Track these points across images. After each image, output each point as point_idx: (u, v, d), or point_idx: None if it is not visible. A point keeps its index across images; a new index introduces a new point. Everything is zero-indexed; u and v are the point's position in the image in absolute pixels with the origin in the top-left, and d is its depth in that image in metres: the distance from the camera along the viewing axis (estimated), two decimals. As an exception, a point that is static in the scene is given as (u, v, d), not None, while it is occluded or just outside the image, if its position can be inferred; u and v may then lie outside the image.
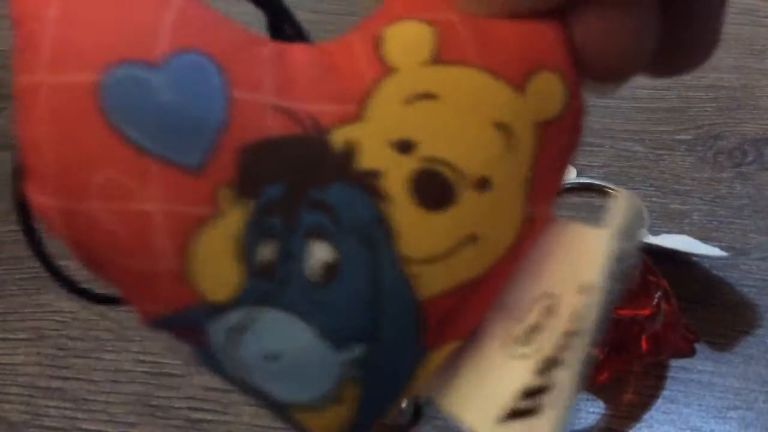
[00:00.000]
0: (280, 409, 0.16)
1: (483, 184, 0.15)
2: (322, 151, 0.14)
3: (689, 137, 0.42)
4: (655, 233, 0.35)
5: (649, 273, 0.29)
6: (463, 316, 0.15)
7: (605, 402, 0.29)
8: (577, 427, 0.28)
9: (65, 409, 0.28)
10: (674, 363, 0.30)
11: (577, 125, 0.16)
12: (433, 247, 0.14)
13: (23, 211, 0.15)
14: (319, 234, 0.14)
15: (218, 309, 0.14)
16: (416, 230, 0.14)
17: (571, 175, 0.39)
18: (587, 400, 0.29)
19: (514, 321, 0.15)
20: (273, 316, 0.14)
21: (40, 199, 0.14)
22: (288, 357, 0.15)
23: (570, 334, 0.14)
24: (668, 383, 0.29)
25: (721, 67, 0.48)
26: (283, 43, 0.15)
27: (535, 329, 0.15)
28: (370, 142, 0.14)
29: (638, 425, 0.28)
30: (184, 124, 0.13)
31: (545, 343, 0.15)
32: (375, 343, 0.15)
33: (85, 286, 0.19)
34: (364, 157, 0.14)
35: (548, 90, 0.15)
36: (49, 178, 0.14)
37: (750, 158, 0.41)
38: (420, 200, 0.14)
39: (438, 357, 0.15)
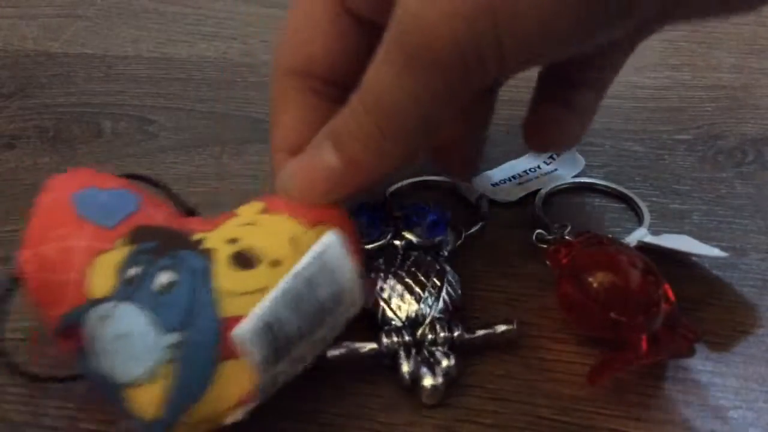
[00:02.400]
0: (115, 389, 0.23)
1: (275, 263, 0.25)
2: (184, 237, 0.25)
3: (689, 137, 0.42)
4: (655, 233, 0.35)
5: (649, 273, 0.29)
6: None
7: (605, 402, 0.29)
8: (577, 427, 0.28)
9: (65, 408, 0.28)
10: (674, 363, 0.30)
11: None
12: (236, 287, 0.24)
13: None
14: (168, 269, 0.24)
15: (97, 302, 0.24)
16: (227, 277, 0.24)
17: (571, 174, 0.39)
18: (587, 399, 0.29)
19: None
20: (127, 308, 0.23)
21: (24, 252, 0.25)
22: (130, 337, 0.23)
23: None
24: (668, 383, 0.29)
25: (721, 67, 0.48)
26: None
27: None
28: (213, 238, 0.25)
29: (638, 425, 0.28)
30: (113, 208, 0.25)
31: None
32: (187, 334, 0.23)
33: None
34: (206, 243, 0.25)
35: (327, 231, 0.26)
36: (32, 239, 0.25)
37: (750, 158, 0.41)
38: (233, 263, 0.25)
39: (233, 367, 0.23)
